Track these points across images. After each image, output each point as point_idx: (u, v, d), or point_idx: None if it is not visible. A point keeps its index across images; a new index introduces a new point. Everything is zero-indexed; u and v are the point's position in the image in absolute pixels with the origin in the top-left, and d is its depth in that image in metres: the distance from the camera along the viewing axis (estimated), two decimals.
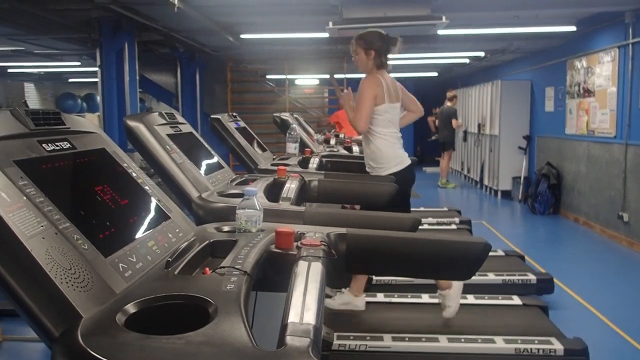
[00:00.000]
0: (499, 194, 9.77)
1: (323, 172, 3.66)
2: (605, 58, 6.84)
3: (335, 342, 3.06)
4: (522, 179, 9.29)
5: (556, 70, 8.38)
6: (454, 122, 11.12)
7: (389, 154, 3.38)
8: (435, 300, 3.74)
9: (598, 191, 7.05)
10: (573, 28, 7.16)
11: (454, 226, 5.92)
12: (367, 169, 3.49)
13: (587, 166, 7.37)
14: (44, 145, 1.40)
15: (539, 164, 8.91)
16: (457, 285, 3.28)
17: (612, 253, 6.16)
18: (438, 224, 5.97)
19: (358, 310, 3.39)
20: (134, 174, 1.72)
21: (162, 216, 1.67)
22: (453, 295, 3.30)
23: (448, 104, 11.03)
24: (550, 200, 8.21)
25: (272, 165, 3.80)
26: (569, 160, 7.96)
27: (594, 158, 7.16)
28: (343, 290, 3.48)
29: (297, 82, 12.89)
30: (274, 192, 2.79)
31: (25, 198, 1.19)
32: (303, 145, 4.76)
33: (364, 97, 3.29)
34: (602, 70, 6.94)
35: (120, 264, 1.29)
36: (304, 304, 1.13)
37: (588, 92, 7.31)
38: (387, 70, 3.40)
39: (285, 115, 5.69)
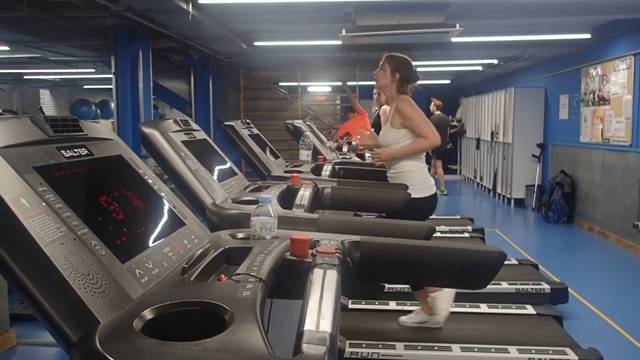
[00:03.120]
0: (512, 202, 9.70)
1: (336, 179, 3.66)
2: (620, 66, 6.79)
3: (348, 349, 3.05)
4: (535, 187, 9.23)
5: (571, 77, 8.33)
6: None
7: (421, 178, 3.37)
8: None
9: (613, 200, 6.98)
10: (588, 35, 7.12)
11: (466, 234, 5.89)
12: None
13: (602, 175, 7.31)
14: (62, 151, 1.42)
15: (553, 172, 8.84)
16: (448, 289, 3.26)
17: (627, 263, 6.09)
18: (451, 232, 5.94)
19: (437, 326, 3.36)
20: (150, 181, 1.73)
21: (177, 223, 1.68)
22: (444, 298, 3.27)
23: (437, 112, 10.91)
24: (564, 208, 8.14)
25: (285, 172, 3.82)
26: (583, 168, 7.90)
27: (609, 166, 7.09)
28: (415, 310, 3.45)
29: (309, 89, 12.92)
30: (287, 199, 2.80)
31: (44, 204, 1.20)
32: (316, 153, 4.77)
33: (418, 113, 3.31)
34: (617, 78, 6.88)
35: (137, 270, 1.30)
36: (319, 311, 1.13)
37: (603, 100, 7.26)
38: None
39: (298, 122, 5.71)
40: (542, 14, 6.01)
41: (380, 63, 3.40)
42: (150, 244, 1.45)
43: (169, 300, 1.20)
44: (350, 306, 3.73)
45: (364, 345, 3.09)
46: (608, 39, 7.04)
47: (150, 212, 1.61)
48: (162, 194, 1.74)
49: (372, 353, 3.05)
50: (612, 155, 7.01)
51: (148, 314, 1.14)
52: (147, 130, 2.51)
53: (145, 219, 1.55)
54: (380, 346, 3.09)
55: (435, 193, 3.42)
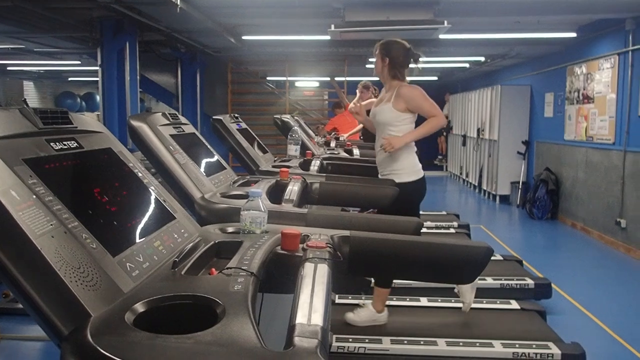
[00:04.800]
0: (498, 198, 9.79)
1: (324, 174, 3.67)
2: (605, 65, 6.87)
3: (335, 344, 3.07)
4: (520, 184, 9.32)
5: (556, 76, 8.41)
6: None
7: (410, 161, 3.37)
8: (434, 304, 3.76)
9: (596, 197, 7.07)
10: (573, 34, 7.19)
11: (452, 230, 5.94)
12: (381, 176, 3.46)
13: (585, 172, 7.40)
14: (52, 144, 1.41)
15: (538, 169, 8.93)
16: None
17: (609, 259, 6.18)
18: (437, 227, 5.99)
19: (382, 323, 3.35)
20: (139, 174, 1.73)
21: (167, 216, 1.68)
22: (465, 291, 3.37)
23: None
24: (548, 205, 8.23)
25: (274, 167, 3.82)
26: (567, 166, 7.99)
27: (593, 164, 7.18)
28: (363, 303, 3.45)
29: (297, 84, 12.90)
30: (276, 194, 2.80)
31: (34, 197, 1.20)
32: (304, 148, 4.78)
33: (425, 96, 3.30)
34: (601, 76, 6.96)
35: (127, 264, 1.30)
36: (311, 305, 1.14)
37: (587, 99, 7.34)
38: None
39: (286, 117, 5.70)
40: (529, 13, 6.06)
41: (374, 52, 3.40)
42: (141, 237, 1.45)
43: (161, 293, 1.20)
44: (337, 301, 3.75)
45: (350, 340, 3.11)
46: (593, 38, 7.12)
47: (140, 205, 1.61)
48: (152, 187, 1.74)
49: (359, 347, 3.07)
50: (595, 153, 7.10)
51: (140, 307, 1.14)
52: (135, 123, 2.50)
53: (135, 213, 1.55)
54: (367, 340, 3.11)
55: (424, 177, 3.42)
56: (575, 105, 7.67)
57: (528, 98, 9.59)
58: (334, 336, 3.13)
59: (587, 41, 7.26)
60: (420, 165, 3.42)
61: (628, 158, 6.28)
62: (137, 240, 1.43)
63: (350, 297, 3.82)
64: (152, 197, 1.70)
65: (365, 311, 3.31)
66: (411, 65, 3.37)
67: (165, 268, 1.38)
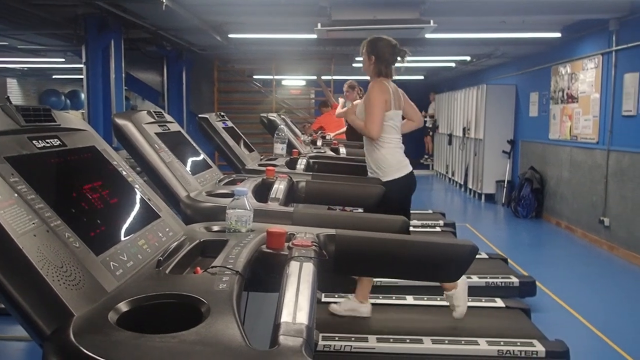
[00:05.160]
0: (483, 197, 9.86)
1: (311, 173, 3.67)
2: (589, 65, 6.94)
3: (321, 342, 3.06)
4: (505, 182, 9.39)
5: (541, 75, 8.49)
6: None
7: (392, 160, 3.37)
8: (420, 302, 3.77)
9: (580, 196, 7.14)
10: (558, 34, 7.25)
11: (438, 229, 5.97)
12: (370, 174, 3.47)
13: (569, 171, 7.47)
14: (34, 142, 1.39)
15: (523, 168, 9.00)
16: (462, 285, 3.28)
17: (593, 257, 6.25)
18: (423, 226, 6.01)
19: (363, 316, 3.37)
20: (124, 173, 1.72)
21: (152, 215, 1.67)
22: (459, 295, 3.31)
23: None
24: (533, 204, 8.31)
25: (260, 165, 3.81)
26: (551, 165, 8.06)
27: (577, 163, 7.26)
28: (349, 296, 3.46)
29: (284, 82, 12.88)
30: (262, 192, 2.80)
31: (16, 195, 1.18)
32: (290, 146, 4.77)
33: (374, 103, 3.29)
34: (585, 76, 7.04)
35: (111, 263, 1.28)
36: (296, 304, 1.14)
37: (571, 98, 7.41)
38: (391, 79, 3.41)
39: (273, 116, 5.69)
40: (514, 13, 6.10)
41: (361, 50, 3.42)
42: (125, 236, 1.44)
43: (145, 292, 1.19)
44: (324, 299, 3.75)
45: (337, 339, 3.10)
46: (577, 38, 7.19)
47: (124, 204, 1.60)
48: (137, 186, 1.73)
49: (345, 346, 3.07)
50: (579, 152, 7.18)
51: (123, 307, 1.13)
52: (120, 121, 2.48)
53: (119, 211, 1.54)
54: (353, 339, 3.11)
55: (412, 172, 3.43)
56: (560, 104, 7.74)
57: (513, 97, 9.66)
58: (320, 335, 3.13)
59: (571, 41, 7.33)
60: (406, 161, 3.43)
61: (611, 157, 6.35)
62: (121, 239, 1.42)
63: (336, 296, 3.82)
64: (137, 196, 1.69)
65: (348, 301, 3.34)
66: (397, 64, 3.38)
67: (150, 267, 1.37)
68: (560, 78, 7.76)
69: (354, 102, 6.71)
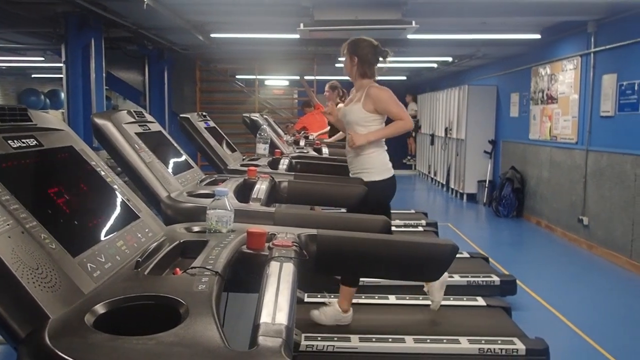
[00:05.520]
0: (465, 197, 9.93)
1: (293, 173, 3.67)
2: (568, 66, 7.03)
3: (303, 342, 3.06)
4: (487, 182, 9.47)
5: (521, 76, 8.57)
6: None
7: (380, 161, 3.37)
8: (402, 302, 3.79)
9: (559, 195, 7.23)
10: (538, 36, 7.33)
11: (420, 228, 6.00)
12: (352, 174, 3.46)
13: (549, 171, 7.56)
14: (9, 142, 1.37)
15: (504, 168, 9.09)
16: (439, 279, 3.30)
17: (572, 256, 6.33)
18: (405, 226, 6.03)
19: (346, 324, 3.33)
20: (102, 173, 1.70)
21: (131, 216, 1.66)
22: (434, 289, 3.38)
23: None
24: (513, 203, 8.39)
25: (242, 165, 3.79)
26: (532, 164, 8.15)
27: (556, 163, 7.34)
28: (330, 300, 3.43)
29: (266, 82, 12.84)
30: (243, 192, 2.79)
31: None
32: (273, 146, 4.76)
33: (394, 99, 3.32)
34: (565, 77, 7.13)
35: (88, 264, 1.27)
36: (276, 304, 1.13)
37: (551, 99, 7.50)
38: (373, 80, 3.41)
39: (255, 116, 5.68)
40: (495, 14, 6.15)
41: (342, 51, 3.40)
42: (103, 237, 1.42)
43: (122, 294, 1.18)
44: (307, 299, 3.75)
45: (319, 339, 3.10)
46: (556, 39, 7.28)
47: (102, 205, 1.58)
48: (115, 186, 1.71)
49: (328, 346, 3.07)
50: (559, 152, 7.27)
51: (100, 309, 1.11)
52: (99, 121, 2.45)
53: (97, 212, 1.52)
54: (335, 339, 3.12)
55: (394, 176, 3.43)
56: (540, 105, 7.83)
57: (494, 98, 9.75)
58: (303, 335, 3.13)
59: (551, 43, 7.42)
60: (390, 164, 3.44)
61: (590, 157, 6.44)
62: (99, 240, 1.40)
63: (319, 296, 3.82)
64: (116, 196, 1.67)
65: (331, 310, 3.31)
66: (380, 64, 3.38)
67: (128, 268, 1.35)
68: (540, 79, 7.85)
69: (339, 106, 6.72)
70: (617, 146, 5.88)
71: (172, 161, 2.82)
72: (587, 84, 6.51)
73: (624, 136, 5.76)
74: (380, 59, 3.36)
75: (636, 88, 5.53)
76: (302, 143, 6.15)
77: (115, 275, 1.31)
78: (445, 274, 3.28)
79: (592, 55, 6.41)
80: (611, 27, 6.07)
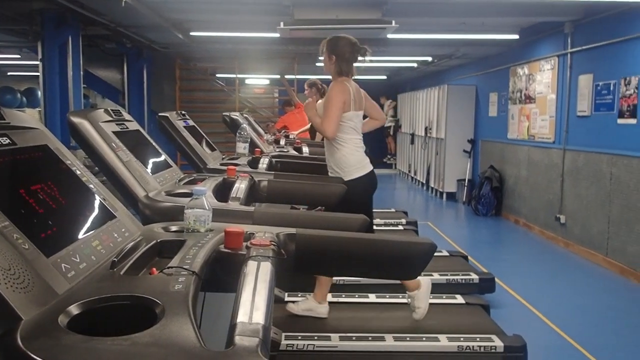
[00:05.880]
0: (445, 195, 10.01)
1: (273, 172, 3.66)
2: (545, 66, 7.13)
3: (284, 342, 3.06)
4: (466, 181, 9.55)
5: (500, 76, 8.67)
6: None
7: (352, 160, 3.39)
8: (383, 300, 3.81)
9: (537, 194, 7.33)
10: (516, 36, 7.42)
11: (400, 227, 6.03)
12: (330, 174, 3.49)
13: (527, 170, 7.66)
14: None
15: (483, 167, 9.18)
16: (425, 286, 3.32)
17: (549, 253, 6.42)
18: (385, 224, 6.06)
19: (320, 317, 3.36)
20: (78, 172, 1.67)
21: (107, 215, 1.64)
22: (422, 296, 3.34)
23: None
24: (492, 202, 8.48)
25: (222, 165, 3.77)
26: (510, 163, 8.25)
27: (534, 162, 7.44)
28: (307, 295, 3.44)
29: (247, 81, 12.79)
30: (223, 192, 2.77)
31: None
32: (253, 145, 4.74)
33: (332, 103, 3.29)
34: (542, 77, 7.22)
35: (62, 264, 1.25)
36: (253, 303, 1.13)
37: (529, 99, 7.59)
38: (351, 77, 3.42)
39: (235, 115, 5.65)
40: (474, 14, 6.21)
41: (321, 50, 3.41)
42: (78, 237, 1.40)
43: (97, 294, 1.17)
44: (287, 298, 3.75)
45: (299, 338, 3.11)
46: (534, 40, 7.37)
47: (77, 204, 1.56)
48: (91, 185, 1.69)
49: (308, 345, 3.07)
50: (536, 152, 7.36)
51: (74, 310, 1.10)
52: (75, 119, 2.42)
53: (72, 212, 1.50)
54: (315, 338, 3.12)
55: (372, 171, 3.45)
56: (518, 105, 7.93)
57: (473, 98, 9.84)
58: (283, 334, 3.12)
59: (528, 43, 7.51)
60: (367, 160, 3.46)
61: (567, 156, 6.54)
62: (74, 240, 1.38)
63: (299, 295, 3.82)
64: (91, 196, 1.65)
65: (306, 301, 3.35)
66: (358, 63, 3.39)
67: (104, 268, 1.34)
68: (519, 79, 7.95)
69: (318, 102, 6.72)
70: (593, 145, 5.97)
71: (150, 160, 2.79)
72: (564, 84, 6.60)
73: (600, 136, 5.86)
74: (360, 57, 3.37)
75: (611, 88, 5.63)
76: (282, 142, 6.14)
77: (90, 276, 1.29)
78: (428, 279, 3.31)
79: (568, 55, 6.50)
80: (587, 28, 6.17)
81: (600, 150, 5.81)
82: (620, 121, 5.47)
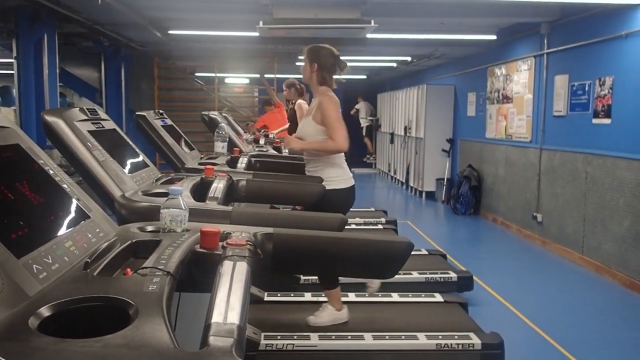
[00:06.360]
0: (424, 194, 10.08)
1: (252, 172, 3.64)
2: (522, 66, 7.22)
3: (263, 341, 3.05)
4: (445, 180, 9.63)
5: (478, 76, 8.75)
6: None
7: (340, 170, 3.38)
8: (362, 299, 3.82)
9: (515, 193, 7.42)
10: (494, 37, 7.50)
11: (380, 226, 6.05)
12: (308, 172, 3.46)
13: (505, 169, 7.74)
14: None
15: (461, 166, 9.26)
16: None
17: (527, 252, 6.50)
18: (365, 224, 6.08)
19: (344, 321, 3.31)
20: (51, 172, 1.65)
21: (81, 216, 1.61)
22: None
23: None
24: (471, 201, 8.56)
25: (200, 164, 3.75)
26: (488, 163, 8.33)
27: (512, 161, 7.53)
28: (322, 306, 3.35)
29: (227, 80, 12.73)
30: (201, 191, 2.75)
31: None
32: (232, 145, 4.72)
33: (335, 115, 3.27)
34: (519, 78, 7.31)
35: (34, 266, 1.23)
36: (228, 303, 1.12)
37: (507, 99, 7.68)
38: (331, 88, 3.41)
39: (214, 114, 5.62)
40: (452, 15, 6.26)
41: (303, 57, 3.40)
42: (51, 238, 1.38)
43: (69, 296, 1.15)
44: (266, 298, 3.74)
45: (279, 337, 3.10)
46: (511, 40, 7.45)
47: (50, 204, 1.53)
48: (65, 185, 1.66)
49: (287, 344, 3.06)
50: (514, 151, 7.45)
51: (45, 311, 1.08)
52: (50, 118, 2.38)
53: (44, 212, 1.47)
54: (295, 337, 3.12)
55: (354, 186, 3.44)
56: (496, 104, 8.01)
57: (452, 97, 9.93)
58: (263, 334, 3.11)
59: (506, 43, 7.60)
60: (350, 175, 3.44)
61: (544, 155, 6.63)
62: (46, 241, 1.35)
63: (279, 295, 3.81)
64: (65, 196, 1.62)
65: (326, 312, 3.29)
66: (335, 76, 3.39)
67: (77, 269, 1.32)
68: (496, 79, 8.03)
69: (298, 102, 6.72)
70: (569, 145, 6.06)
71: (127, 160, 2.76)
72: (541, 84, 6.69)
73: (575, 135, 5.95)
74: (339, 70, 3.37)
75: (586, 88, 5.72)
76: (262, 141, 6.12)
77: (62, 277, 1.27)
78: None
79: (545, 56, 6.59)
80: (563, 28, 6.26)
81: (576, 150, 5.90)
82: (595, 121, 5.57)
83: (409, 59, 10.38)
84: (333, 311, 3.29)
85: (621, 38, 5.15)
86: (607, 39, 5.38)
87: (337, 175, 3.34)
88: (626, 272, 5.01)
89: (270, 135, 6.88)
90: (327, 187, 3.21)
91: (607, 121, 5.37)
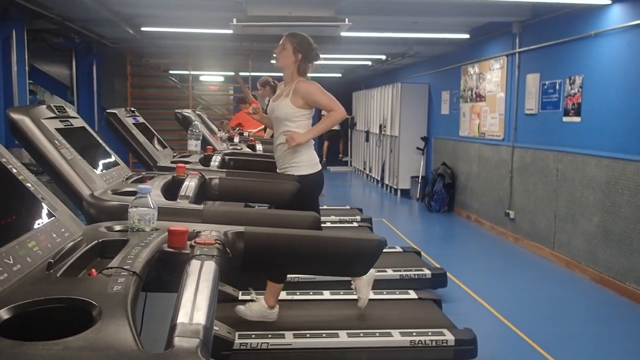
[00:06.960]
0: (399, 192, 10.14)
1: (225, 170, 3.61)
2: (495, 65, 7.30)
3: (237, 341, 3.03)
4: (419, 178, 9.70)
5: (451, 75, 8.83)
6: None
7: (310, 155, 3.44)
8: (336, 297, 3.82)
9: (488, 190, 7.50)
10: (466, 36, 7.57)
11: (355, 224, 6.07)
12: (280, 169, 3.48)
13: (478, 167, 7.83)
14: None
15: (436, 164, 9.33)
16: (367, 277, 3.35)
17: (499, 248, 6.59)
18: (340, 221, 6.09)
19: (271, 321, 3.31)
20: (14, 170, 1.60)
21: (45, 215, 1.57)
22: (362, 285, 3.42)
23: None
24: (445, 198, 8.63)
25: (172, 162, 3.70)
26: (462, 160, 8.41)
27: (485, 159, 7.61)
28: (256, 298, 3.40)
29: (201, 78, 12.61)
30: (172, 190, 2.72)
31: None
32: (205, 143, 4.68)
33: (322, 92, 3.38)
34: (492, 76, 7.39)
35: None
36: (194, 303, 1.10)
37: (480, 97, 7.76)
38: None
39: (187, 112, 5.56)
40: (426, 14, 6.30)
41: (281, 42, 3.38)
42: (12, 238, 1.34)
43: (31, 297, 1.12)
44: (241, 297, 3.71)
45: (253, 336, 3.08)
46: (484, 40, 7.53)
47: (12, 203, 1.49)
48: (29, 184, 1.62)
49: (262, 343, 3.05)
50: (487, 149, 7.53)
51: (4, 314, 1.05)
52: (16, 116, 2.33)
53: (6, 212, 1.43)
54: (269, 336, 3.11)
55: (321, 170, 3.52)
56: (469, 103, 8.09)
57: (426, 96, 10.00)
58: (237, 333, 3.09)
59: (479, 42, 7.68)
60: (318, 159, 3.51)
61: (516, 153, 6.71)
62: (8, 241, 1.32)
63: (254, 293, 3.78)
64: (28, 195, 1.58)
65: (257, 305, 3.30)
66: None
67: (40, 270, 1.29)
68: (469, 77, 8.11)
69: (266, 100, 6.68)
70: (540, 142, 6.16)
71: (96, 158, 2.71)
72: (513, 82, 6.78)
73: (546, 133, 6.04)
74: (314, 62, 3.43)
75: (557, 87, 5.81)
76: (236, 140, 6.08)
77: (24, 278, 1.24)
78: (373, 270, 3.34)
79: (517, 55, 6.68)
80: (534, 28, 6.35)
81: (547, 148, 5.99)
82: (565, 119, 5.66)
83: (383, 57, 10.42)
84: (265, 308, 3.29)
85: (591, 37, 5.25)
86: (577, 39, 5.48)
87: (303, 162, 3.41)
88: (596, 268, 5.11)
89: (245, 134, 6.83)
90: (301, 173, 3.32)
91: (577, 119, 5.46)
